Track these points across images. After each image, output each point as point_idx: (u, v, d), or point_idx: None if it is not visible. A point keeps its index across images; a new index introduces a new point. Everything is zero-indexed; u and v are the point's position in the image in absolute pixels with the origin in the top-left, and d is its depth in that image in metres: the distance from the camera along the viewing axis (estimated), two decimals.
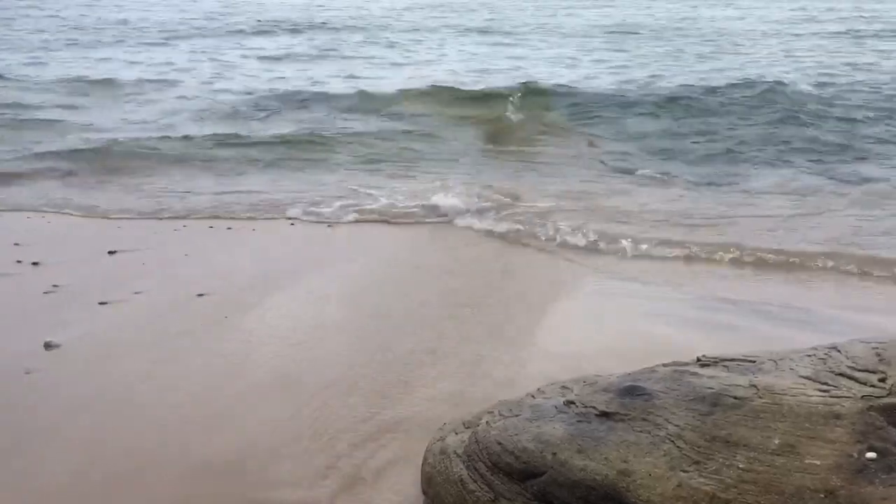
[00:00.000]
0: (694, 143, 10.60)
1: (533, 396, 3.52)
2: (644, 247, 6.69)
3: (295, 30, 25.22)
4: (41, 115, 12.49)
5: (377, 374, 4.52)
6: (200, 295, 5.57)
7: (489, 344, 4.91)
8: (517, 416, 3.29)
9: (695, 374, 3.13)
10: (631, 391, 3.09)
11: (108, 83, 15.01)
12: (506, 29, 25.17)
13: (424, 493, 3.45)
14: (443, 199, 7.72)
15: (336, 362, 4.64)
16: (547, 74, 15.83)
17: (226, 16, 29.63)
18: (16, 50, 19.70)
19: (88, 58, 18.64)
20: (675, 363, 3.39)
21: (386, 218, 7.55)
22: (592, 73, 16.25)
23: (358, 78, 15.91)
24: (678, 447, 2.74)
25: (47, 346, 4.69)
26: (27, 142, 10.59)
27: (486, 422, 3.36)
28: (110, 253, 6.51)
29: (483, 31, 24.65)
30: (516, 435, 3.12)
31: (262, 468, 3.64)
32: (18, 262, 6.21)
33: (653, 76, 15.43)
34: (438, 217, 7.50)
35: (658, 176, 9.01)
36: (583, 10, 31.30)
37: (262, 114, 12.68)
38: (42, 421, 3.95)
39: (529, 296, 5.73)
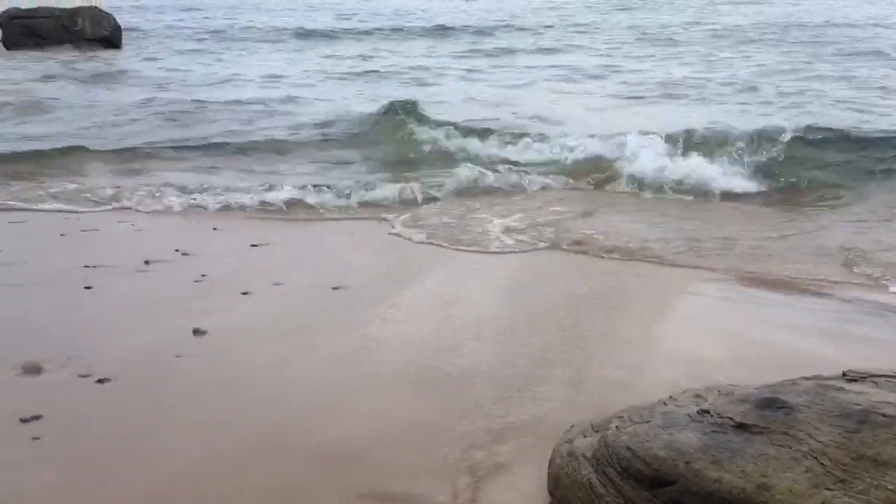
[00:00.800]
0: None
1: (664, 403, 3.45)
2: None
3: None
4: None
5: (502, 373, 4.56)
6: (336, 288, 5.78)
7: (608, 350, 4.87)
8: (648, 422, 3.24)
9: (841, 389, 3.00)
10: (771, 403, 2.99)
11: None
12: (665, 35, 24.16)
13: (551, 493, 3.45)
14: None
15: (462, 360, 4.71)
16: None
17: None
18: None
19: None
20: (817, 377, 3.25)
21: None
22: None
23: None
24: (821, 464, 2.63)
25: (195, 331, 4.99)
26: None
27: (616, 426, 3.33)
28: (252, 246, 6.86)
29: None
30: (647, 442, 3.08)
31: (387, 459, 3.74)
32: (176, 250, 6.66)
33: None
34: None
35: None
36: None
37: None
38: (184, 402, 4.22)
39: (647, 302, 5.64)
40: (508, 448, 3.88)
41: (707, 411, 3.14)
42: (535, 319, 5.33)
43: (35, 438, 3.78)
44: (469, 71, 18.77)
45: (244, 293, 5.72)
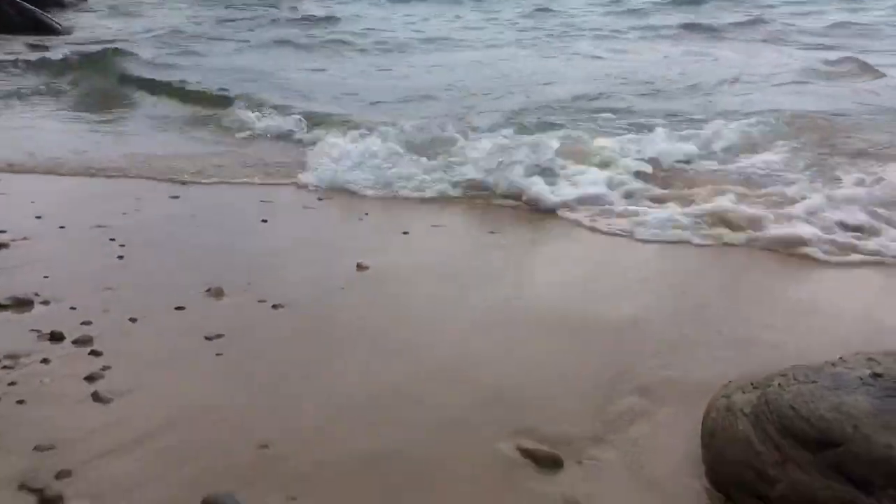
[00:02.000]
0: None
1: (833, 364, 3.31)
2: None
3: None
4: None
5: (657, 326, 4.51)
6: (491, 232, 5.87)
7: (771, 314, 4.68)
8: (814, 382, 3.12)
9: None
10: None
11: None
12: None
13: (705, 446, 3.41)
14: None
15: (619, 309, 4.69)
16: None
17: None
18: None
19: None
20: None
21: None
22: None
23: None
24: None
25: (359, 266, 5.25)
26: None
27: (779, 384, 3.22)
28: None
29: None
30: (812, 402, 2.97)
31: (541, 401, 3.81)
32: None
33: None
34: None
35: None
36: None
37: None
38: (351, 333, 4.46)
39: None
40: (663, 400, 3.85)
41: (881, 375, 2.99)
42: (695, 280, 5.22)
43: (218, 354, 4.14)
44: None
45: (404, 233, 5.93)
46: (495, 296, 4.91)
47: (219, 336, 4.29)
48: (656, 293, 5.01)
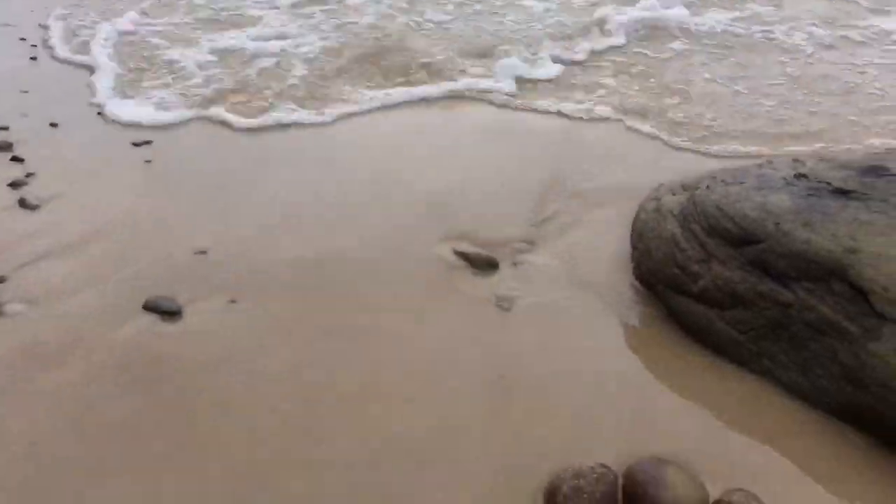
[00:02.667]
0: None
1: (760, 167, 3.40)
2: None
3: None
4: None
5: (591, 135, 4.53)
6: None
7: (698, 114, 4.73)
8: (741, 183, 3.22)
9: None
10: (874, 170, 2.91)
11: None
12: None
13: (634, 247, 3.54)
14: None
15: (553, 119, 4.68)
16: None
17: None
18: None
19: None
20: None
21: None
22: None
23: None
24: None
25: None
26: None
27: (707, 186, 3.31)
28: None
29: None
30: (738, 202, 3.07)
31: (476, 208, 3.86)
32: None
33: None
34: None
35: None
36: None
37: None
38: (284, 146, 4.36)
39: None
40: (593, 204, 3.95)
41: (805, 175, 3.09)
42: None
43: (147, 161, 4.03)
44: None
45: None
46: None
47: (147, 142, 4.15)
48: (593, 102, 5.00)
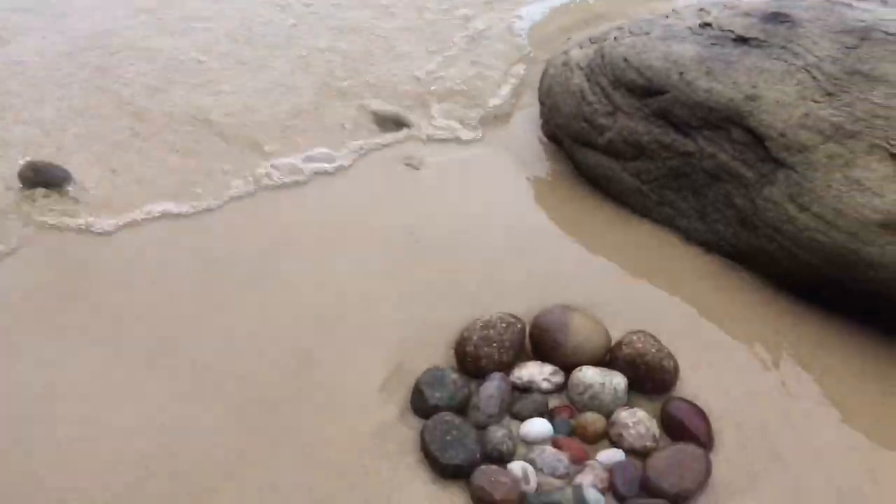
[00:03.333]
0: None
1: (666, 17, 3.37)
2: None
3: None
4: None
5: None
6: None
7: None
8: (647, 34, 3.19)
9: (849, 5, 2.91)
10: (775, 17, 2.91)
11: None
12: None
13: (542, 102, 3.52)
14: None
15: None
16: None
17: None
18: None
19: None
20: None
21: None
22: None
23: None
24: (814, 78, 2.64)
25: None
26: None
27: (615, 38, 3.28)
28: None
29: None
30: (644, 53, 3.06)
31: (382, 67, 3.75)
32: None
33: None
34: None
35: None
36: None
37: None
38: None
39: None
40: (502, 64, 3.88)
41: (709, 24, 3.08)
42: None
43: None
44: None
45: None
46: None
47: None
48: None
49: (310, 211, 2.89)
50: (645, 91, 2.96)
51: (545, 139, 3.41)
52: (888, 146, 2.35)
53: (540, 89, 3.50)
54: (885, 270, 2.26)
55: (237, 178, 3.01)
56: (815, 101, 2.57)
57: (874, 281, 2.29)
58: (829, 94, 2.57)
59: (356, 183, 3.05)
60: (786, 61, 2.74)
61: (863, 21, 2.77)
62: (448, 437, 1.99)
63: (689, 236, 2.83)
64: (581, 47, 3.46)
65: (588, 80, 3.19)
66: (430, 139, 3.33)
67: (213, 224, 2.80)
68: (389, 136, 3.33)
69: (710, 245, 2.79)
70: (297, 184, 3.02)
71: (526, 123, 3.50)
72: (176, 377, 2.19)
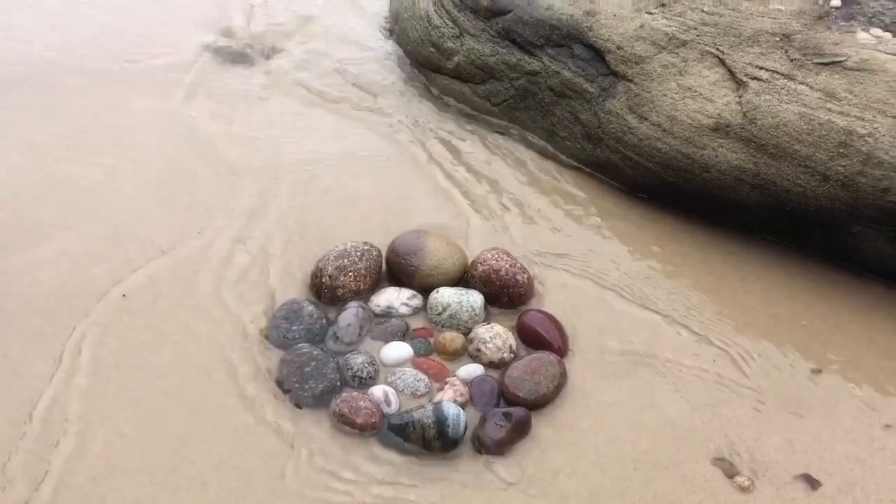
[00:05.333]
0: None
1: None
2: None
3: None
4: None
5: None
6: None
7: None
8: None
9: None
10: None
11: None
12: None
13: (391, 31, 3.46)
14: None
15: None
16: None
17: None
18: None
19: None
20: None
21: None
22: None
23: None
24: None
25: None
26: None
27: None
28: None
29: None
30: None
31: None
32: None
33: None
34: None
35: None
36: None
37: None
38: None
39: None
40: None
41: None
42: None
43: None
44: None
45: None
46: None
47: None
48: None
49: (151, 150, 2.75)
50: (489, 11, 2.95)
51: (394, 66, 3.36)
52: (717, 52, 2.44)
53: (388, 16, 3.44)
54: (717, 171, 2.37)
55: None
56: (650, 13, 2.63)
57: (710, 182, 2.41)
58: (663, 5, 2.63)
59: (197, 112, 2.92)
60: None
61: None
62: (307, 369, 1.96)
63: (541, 154, 2.88)
64: None
65: (434, 3, 3.15)
66: (275, 71, 3.22)
67: None
68: (238, 69, 3.20)
69: (561, 161, 2.84)
70: None
71: (376, 53, 3.44)
72: None
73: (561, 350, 2.11)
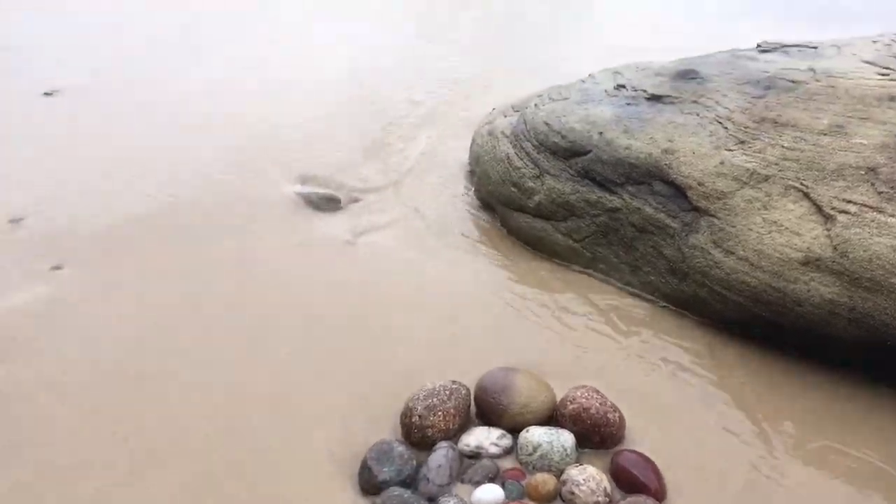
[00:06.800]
0: None
1: (583, 81, 3.50)
2: None
3: None
4: None
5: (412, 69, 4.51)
6: None
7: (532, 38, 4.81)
8: (566, 98, 3.30)
9: (752, 58, 3.07)
10: (684, 75, 3.05)
11: None
12: None
13: (472, 171, 3.59)
14: None
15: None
16: None
17: None
18: None
19: None
20: (733, 49, 3.30)
21: None
22: None
23: None
24: (725, 128, 2.75)
25: None
26: None
27: (535, 104, 3.39)
28: None
29: None
30: (564, 116, 3.16)
31: (314, 146, 3.79)
32: None
33: None
34: None
35: None
36: None
37: None
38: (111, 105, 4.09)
39: None
40: (434, 137, 3.96)
41: (623, 86, 3.20)
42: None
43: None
44: None
45: None
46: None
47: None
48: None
49: (248, 293, 2.86)
50: (568, 152, 3.05)
51: (477, 204, 3.46)
52: (801, 187, 2.45)
53: (469, 158, 3.57)
54: (811, 305, 2.33)
55: None
56: (729, 150, 2.67)
57: (803, 317, 2.35)
58: (742, 142, 2.68)
59: (296, 262, 3.03)
60: (698, 115, 2.86)
61: (766, 72, 2.92)
62: None
63: (625, 288, 2.88)
64: (504, 116, 3.56)
65: (514, 146, 3.27)
66: (364, 213, 3.35)
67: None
68: (326, 215, 3.34)
69: (645, 296, 2.83)
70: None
71: (455, 192, 3.55)
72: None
73: (658, 493, 2.04)
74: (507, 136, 3.35)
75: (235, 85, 4.26)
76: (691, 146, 2.75)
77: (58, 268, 2.88)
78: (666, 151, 2.78)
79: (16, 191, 3.30)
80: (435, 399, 2.22)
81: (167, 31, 4.86)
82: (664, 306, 2.77)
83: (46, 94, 3.97)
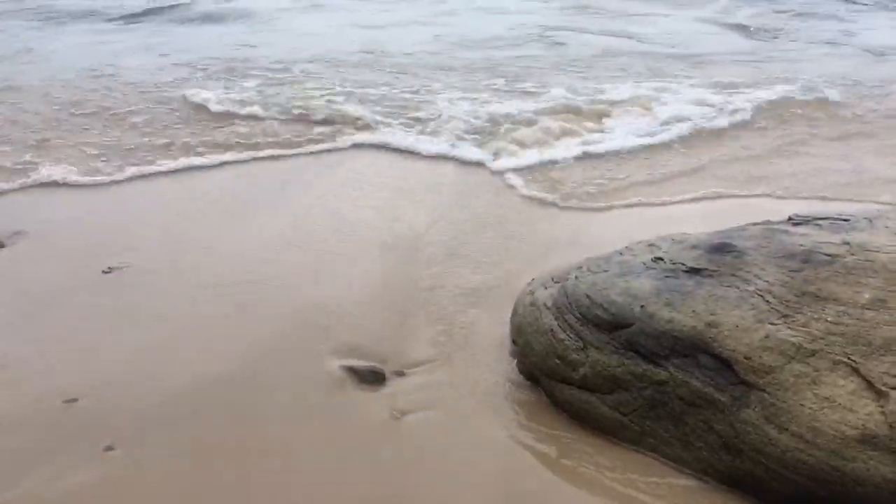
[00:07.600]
0: None
1: (620, 254, 3.60)
2: None
3: None
4: None
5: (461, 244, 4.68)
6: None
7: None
8: (605, 271, 3.39)
9: (786, 232, 3.15)
10: (721, 248, 3.14)
11: None
12: None
13: (514, 342, 3.63)
14: None
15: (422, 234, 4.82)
16: None
17: None
18: None
19: None
20: (766, 222, 3.41)
21: None
22: None
23: None
24: (767, 301, 2.80)
25: None
26: None
27: (576, 276, 3.47)
28: None
29: None
30: (605, 289, 3.23)
31: (360, 318, 3.88)
32: None
33: None
34: None
35: None
36: None
37: None
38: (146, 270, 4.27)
39: None
40: (472, 305, 4.04)
41: (661, 258, 3.29)
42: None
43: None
44: None
45: None
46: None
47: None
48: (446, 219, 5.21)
49: (293, 473, 2.86)
50: (612, 325, 3.10)
51: (520, 377, 3.48)
52: (850, 362, 2.46)
53: (511, 330, 3.63)
54: (872, 485, 2.28)
55: None
56: (773, 324, 2.71)
57: (864, 497, 2.30)
58: (785, 316, 2.72)
59: (338, 439, 3.04)
60: (738, 288, 2.92)
61: (802, 245, 3.00)
62: None
63: (676, 463, 2.84)
64: (545, 287, 3.64)
65: (556, 318, 3.33)
66: (409, 389, 3.38)
67: None
68: (370, 390, 3.37)
69: (697, 471, 2.79)
70: None
71: (500, 363, 3.58)
72: None
73: None
74: (549, 308, 3.42)
75: (290, 254, 4.45)
76: (734, 319, 2.79)
77: (110, 448, 2.92)
78: (709, 325, 2.82)
79: (70, 371, 3.39)
80: None
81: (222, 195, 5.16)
82: (716, 482, 2.72)
83: (105, 272, 4.15)
